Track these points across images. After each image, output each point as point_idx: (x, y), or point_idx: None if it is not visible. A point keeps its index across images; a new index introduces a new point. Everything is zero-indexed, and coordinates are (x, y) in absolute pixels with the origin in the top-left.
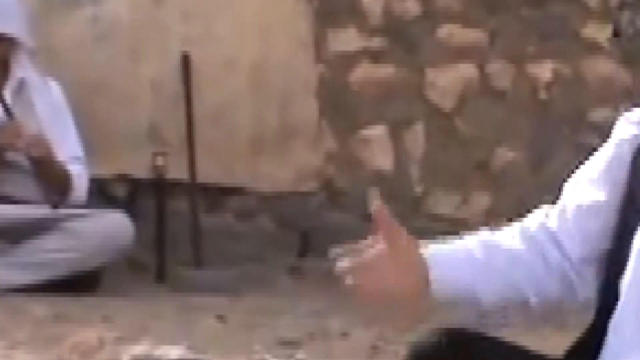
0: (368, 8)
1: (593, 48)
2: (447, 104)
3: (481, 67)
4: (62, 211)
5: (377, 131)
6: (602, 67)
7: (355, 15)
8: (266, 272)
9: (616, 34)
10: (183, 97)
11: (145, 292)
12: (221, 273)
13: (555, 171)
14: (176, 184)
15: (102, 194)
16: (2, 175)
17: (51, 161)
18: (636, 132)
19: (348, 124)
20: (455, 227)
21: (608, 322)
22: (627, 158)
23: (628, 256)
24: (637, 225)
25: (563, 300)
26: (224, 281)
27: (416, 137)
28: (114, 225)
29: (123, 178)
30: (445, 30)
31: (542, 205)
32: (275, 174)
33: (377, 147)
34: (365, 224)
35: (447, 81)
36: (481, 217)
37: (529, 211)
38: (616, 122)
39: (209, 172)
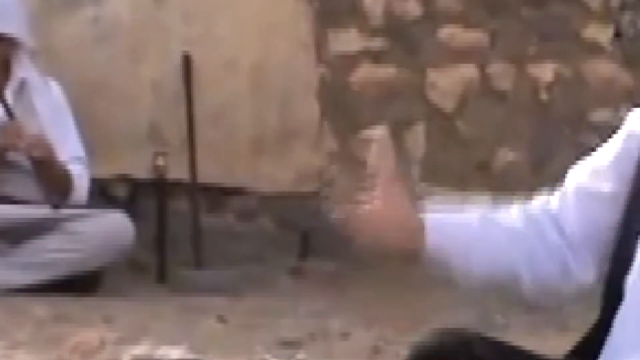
0: (369, 9)
1: (594, 49)
2: (447, 104)
3: (482, 68)
4: (63, 211)
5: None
6: (603, 68)
7: (356, 16)
8: (267, 273)
9: (617, 34)
10: (184, 97)
11: (145, 293)
12: (222, 273)
13: (556, 172)
14: (177, 184)
15: (102, 194)
16: (3, 176)
17: (52, 161)
18: None
19: (349, 125)
20: None
21: (613, 321)
22: (635, 154)
23: (633, 255)
24: None
25: (558, 283)
26: (224, 282)
27: (417, 137)
28: (114, 226)
29: (123, 178)
30: (446, 31)
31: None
32: (276, 174)
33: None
34: None
35: (447, 82)
36: None
37: None
38: (616, 122)
39: (210, 173)
